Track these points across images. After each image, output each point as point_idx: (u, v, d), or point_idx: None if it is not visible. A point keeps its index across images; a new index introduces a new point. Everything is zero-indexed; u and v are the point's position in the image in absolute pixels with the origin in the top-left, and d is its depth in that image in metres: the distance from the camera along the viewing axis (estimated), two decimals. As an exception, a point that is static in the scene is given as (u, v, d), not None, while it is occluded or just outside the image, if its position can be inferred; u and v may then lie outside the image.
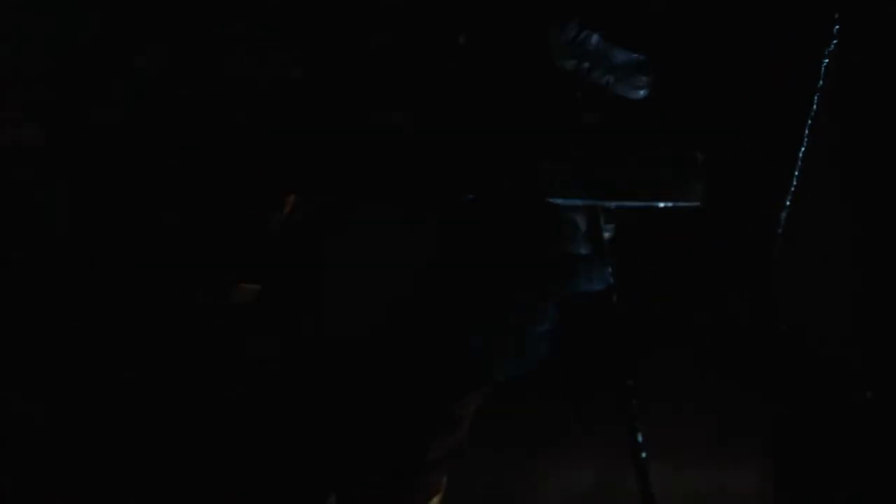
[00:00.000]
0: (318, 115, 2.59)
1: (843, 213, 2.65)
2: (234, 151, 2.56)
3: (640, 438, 2.51)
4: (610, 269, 2.65)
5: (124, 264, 2.54)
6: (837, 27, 2.65)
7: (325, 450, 2.55)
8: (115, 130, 2.56)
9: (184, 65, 2.57)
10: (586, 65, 2.70)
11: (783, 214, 2.69)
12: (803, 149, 2.68)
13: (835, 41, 2.66)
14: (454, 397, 2.59)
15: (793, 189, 2.68)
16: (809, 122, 2.67)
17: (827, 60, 2.66)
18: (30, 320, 2.54)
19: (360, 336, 2.53)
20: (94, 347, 2.54)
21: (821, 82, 2.67)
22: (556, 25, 2.68)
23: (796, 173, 2.68)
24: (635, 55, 2.70)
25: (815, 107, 2.67)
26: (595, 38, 2.70)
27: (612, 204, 2.68)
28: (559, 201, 2.66)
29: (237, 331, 2.55)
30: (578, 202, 2.68)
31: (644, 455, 2.51)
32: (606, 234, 2.68)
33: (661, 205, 2.65)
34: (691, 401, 2.79)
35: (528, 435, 2.81)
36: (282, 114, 2.58)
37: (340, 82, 2.60)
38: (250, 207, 2.57)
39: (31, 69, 2.56)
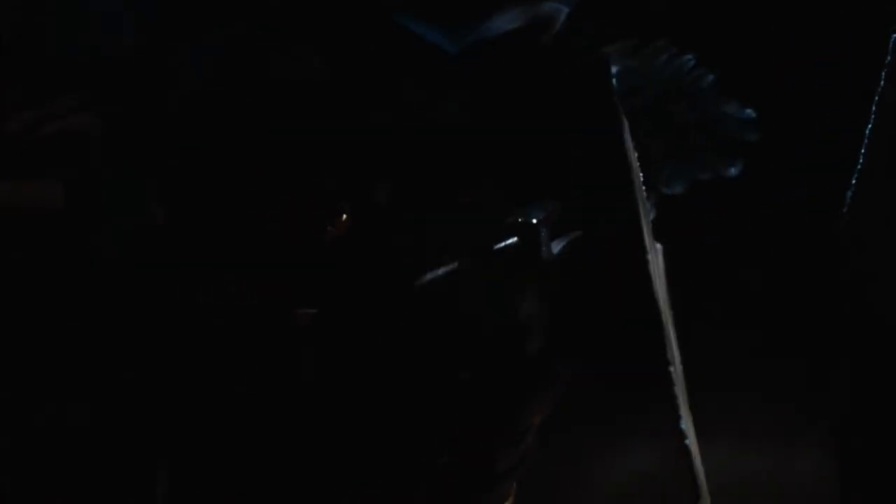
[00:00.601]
0: (316, 116, 2.49)
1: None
2: (235, 151, 2.48)
3: (683, 425, 2.34)
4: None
5: (125, 264, 2.47)
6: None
7: (391, 462, 2.49)
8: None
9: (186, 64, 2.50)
10: (687, 111, 2.38)
11: (848, 192, 2.58)
12: (870, 126, 2.57)
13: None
14: (523, 409, 2.50)
15: (859, 166, 2.57)
16: (876, 98, 2.56)
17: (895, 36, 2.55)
18: (30, 319, 2.46)
19: (427, 349, 2.45)
20: (93, 347, 2.45)
21: (888, 58, 2.55)
22: (676, 59, 2.41)
23: (862, 151, 2.56)
24: (748, 111, 2.40)
25: (881, 83, 2.56)
26: (710, 78, 2.40)
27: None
28: None
29: (241, 333, 2.46)
30: None
31: (687, 442, 2.34)
32: (651, 216, 2.44)
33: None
34: (751, 384, 2.67)
35: (579, 425, 2.68)
36: (282, 113, 2.49)
37: (340, 82, 2.49)
38: (252, 207, 2.48)
39: (82, 57, 2.48)
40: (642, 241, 2.43)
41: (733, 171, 2.44)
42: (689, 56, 2.45)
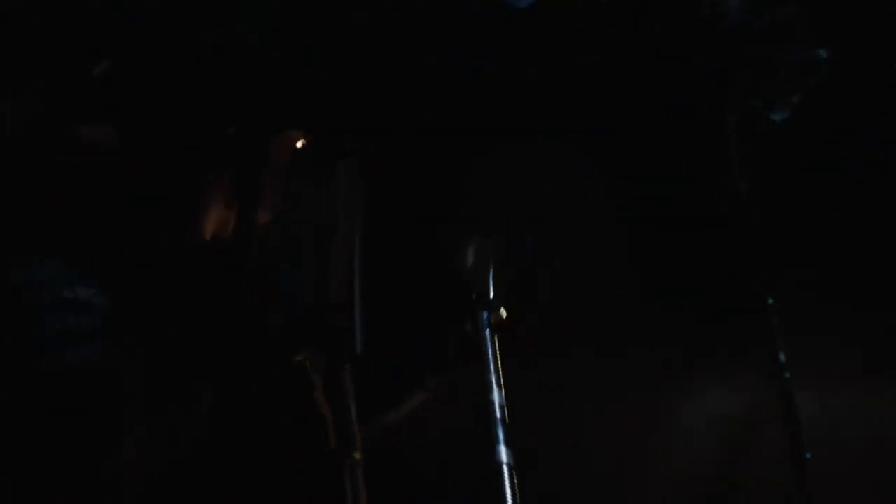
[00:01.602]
0: (314, 116, 2.49)
1: None
2: (231, 151, 2.49)
3: (782, 358, 2.32)
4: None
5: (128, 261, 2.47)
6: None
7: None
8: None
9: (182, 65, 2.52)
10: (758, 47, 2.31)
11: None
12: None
13: None
14: None
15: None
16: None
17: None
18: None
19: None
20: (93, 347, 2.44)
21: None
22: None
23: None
24: (820, 51, 2.30)
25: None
26: (787, 15, 2.34)
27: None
28: None
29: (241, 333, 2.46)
30: None
31: (787, 375, 2.32)
32: None
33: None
34: (845, 322, 2.60)
35: (673, 356, 2.64)
36: (279, 114, 2.49)
37: (338, 83, 2.51)
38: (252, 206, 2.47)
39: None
40: (736, 178, 2.42)
41: (778, 117, 2.38)
42: None
